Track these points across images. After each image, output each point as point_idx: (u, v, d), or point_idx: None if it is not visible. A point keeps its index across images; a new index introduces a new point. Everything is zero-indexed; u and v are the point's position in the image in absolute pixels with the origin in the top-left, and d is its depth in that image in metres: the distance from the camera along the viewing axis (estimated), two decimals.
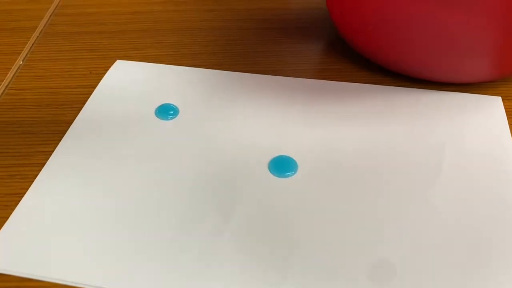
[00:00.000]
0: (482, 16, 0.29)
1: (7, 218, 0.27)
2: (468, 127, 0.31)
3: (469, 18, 0.29)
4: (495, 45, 0.30)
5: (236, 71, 0.37)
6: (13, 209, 0.27)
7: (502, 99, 0.34)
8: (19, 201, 0.27)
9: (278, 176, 0.29)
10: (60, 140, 0.31)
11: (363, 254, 0.25)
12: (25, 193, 0.28)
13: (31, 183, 0.28)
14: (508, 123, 0.32)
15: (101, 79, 0.36)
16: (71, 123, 0.32)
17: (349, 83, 0.35)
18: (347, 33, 0.36)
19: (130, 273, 0.24)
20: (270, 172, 0.29)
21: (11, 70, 0.37)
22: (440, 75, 0.34)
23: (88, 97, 0.34)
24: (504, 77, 0.35)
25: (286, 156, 0.30)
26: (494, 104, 0.33)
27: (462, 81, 0.34)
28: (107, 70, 0.37)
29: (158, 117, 0.32)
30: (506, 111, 0.33)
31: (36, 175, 0.29)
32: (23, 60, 0.38)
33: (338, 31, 0.37)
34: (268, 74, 0.36)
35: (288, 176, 0.29)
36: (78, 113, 0.33)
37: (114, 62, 0.38)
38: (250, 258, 0.25)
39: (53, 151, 0.30)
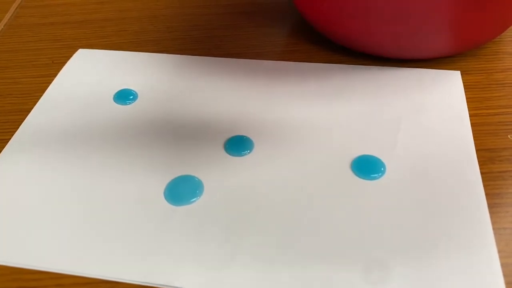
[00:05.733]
0: None
1: None
2: (425, 101, 0.31)
3: None
4: (452, 20, 0.30)
5: (198, 55, 0.37)
6: None
7: (461, 74, 0.34)
8: None
9: (234, 155, 0.29)
10: (18, 128, 0.31)
11: (318, 224, 0.25)
12: None
13: None
14: (466, 97, 0.32)
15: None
16: (30, 111, 0.32)
17: (309, 63, 0.35)
18: (307, 14, 0.36)
19: (83, 254, 0.24)
20: (226, 152, 0.29)
21: None
22: (399, 52, 0.34)
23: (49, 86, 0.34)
24: (463, 52, 0.35)
25: (242, 136, 0.30)
26: (452, 78, 0.33)
27: (421, 57, 0.34)
28: (69, 59, 0.37)
29: (116, 102, 0.32)
30: (465, 85, 0.33)
31: None
32: None
33: (299, 12, 0.37)
34: (230, 57, 0.36)
35: (243, 154, 0.29)
36: (38, 101, 0.33)
37: (77, 51, 0.38)
38: (204, 236, 0.25)
39: (10, 139, 0.30)
